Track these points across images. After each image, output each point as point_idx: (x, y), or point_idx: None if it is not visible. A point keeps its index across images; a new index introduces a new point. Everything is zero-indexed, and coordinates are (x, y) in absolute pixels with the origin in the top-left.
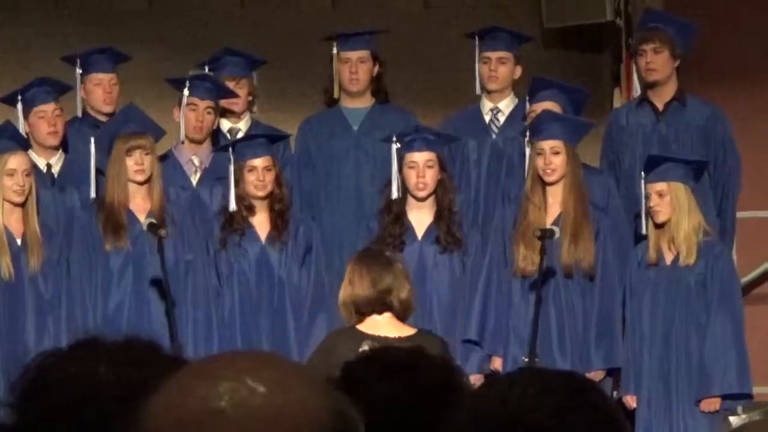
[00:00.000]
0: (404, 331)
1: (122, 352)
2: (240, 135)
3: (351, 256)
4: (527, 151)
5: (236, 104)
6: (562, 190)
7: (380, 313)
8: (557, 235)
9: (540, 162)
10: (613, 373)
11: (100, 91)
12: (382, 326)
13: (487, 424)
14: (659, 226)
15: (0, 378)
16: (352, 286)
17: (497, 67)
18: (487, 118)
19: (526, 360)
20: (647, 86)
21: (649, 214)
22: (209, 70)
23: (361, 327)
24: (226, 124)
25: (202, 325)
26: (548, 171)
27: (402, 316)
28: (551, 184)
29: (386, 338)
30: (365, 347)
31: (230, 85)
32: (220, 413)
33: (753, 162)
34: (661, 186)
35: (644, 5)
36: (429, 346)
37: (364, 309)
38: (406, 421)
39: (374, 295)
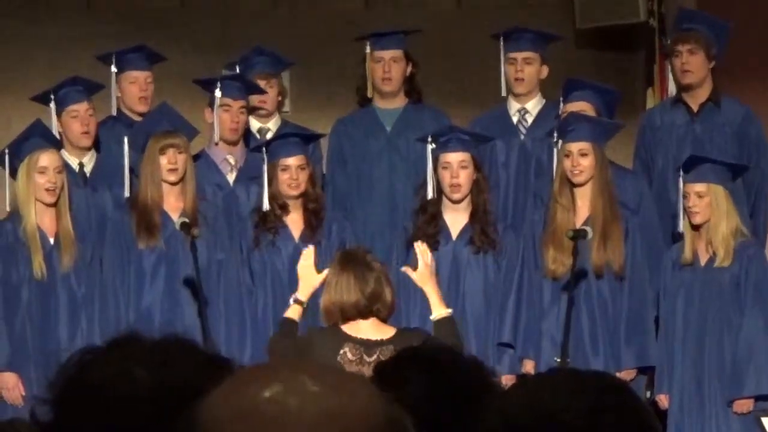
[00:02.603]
0: (386, 332)
1: (159, 353)
2: (270, 135)
3: (384, 256)
4: (555, 151)
5: (266, 102)
6: (591, 191)
7: (366, 318)
8: (590, 235)
9: (568, 164)
10: (646, 372)
11: (135, 89)
12: (365, 329)
13: (517, 424)
14: (696, 227)
15: (33, 376)
16: (339, 293)
17: (523, 68)
18: (514, 119)
19: (558, 361)
20: (682, 88)
21: (686, 213)
22: (239, 69)
23: (344, 327)
24: (255, 124)
25: (235, 324)
26: (576, 173)
27: (386, 319)
28: (579, 185)
29: (368, 341)
30: (345, 349)
31: (261, 84)
32: (276, 403)
33: None
34: (700, 187)
35: (677, 5)
36: (412, 343)
37: (350, 314)
38: (438, 420)
39: (363, 302)
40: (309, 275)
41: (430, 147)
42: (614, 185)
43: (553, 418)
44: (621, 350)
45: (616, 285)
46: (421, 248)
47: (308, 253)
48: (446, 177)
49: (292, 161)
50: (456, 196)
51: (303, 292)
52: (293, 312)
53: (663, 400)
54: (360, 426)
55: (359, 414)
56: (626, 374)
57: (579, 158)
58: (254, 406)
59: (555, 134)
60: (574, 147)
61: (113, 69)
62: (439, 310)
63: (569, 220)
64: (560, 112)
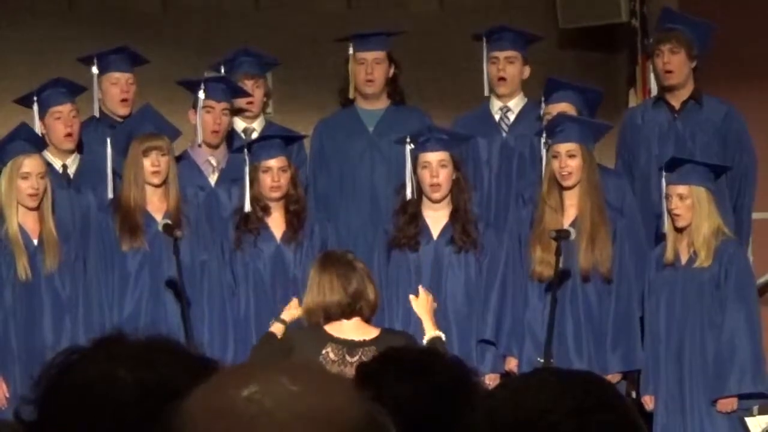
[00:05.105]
0: (369, 333)
1: (144, 354)
2: (254, 135)
3: (366, 257)
4: (543, 152)
5: (253, 104)
6: (579, 192)
7: (349, 318)
8: (573, 236)
9: (556, 165)
10: (629, 374)
11: (116, 91)
12: (347, 329)
13: (503, 425)
14: (678, 229)
15: (18, 377)
16: (322, 293)
17: (505, 67)
18: (496, 117)
19: (541, 361)
20: (664, 88)
21: (669, 215)
22: (224, 70)
23: (327, 328)
24: (240, 124)
25: (218, 325)
26: (564, 174)
27: (369, 319)
28: (568, 187)
29: (351, 341)
30: (328, 350)
31: (247, 84)
32: (253, 402)
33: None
34: (682, 189)
35: (660, 6)
36: (394, 344)
37: (334, 314)
38: (421, 421)
39: (346, 301)
40: (294, 306)
41: (408, 148)
42: (602, 187)
43: (539, 419)
44: (606, 354)
45: (603, 288)
46: (424, 291)
47: (295, 304)
48: (426, 176)
49: (274, 163)
50: (436, 195)
51: (287, 315)
52: (276, 329)
53: (648, 402)
54: (338, 426)
55: (337, 414)
56: (611, 378)
57: (567, 159)
58: (231, 406)
59: (543, 135)
60: (563, 148)
61: (94, 70)
62: (431, 333)
63: (557, 221)
64: (542, 113)
